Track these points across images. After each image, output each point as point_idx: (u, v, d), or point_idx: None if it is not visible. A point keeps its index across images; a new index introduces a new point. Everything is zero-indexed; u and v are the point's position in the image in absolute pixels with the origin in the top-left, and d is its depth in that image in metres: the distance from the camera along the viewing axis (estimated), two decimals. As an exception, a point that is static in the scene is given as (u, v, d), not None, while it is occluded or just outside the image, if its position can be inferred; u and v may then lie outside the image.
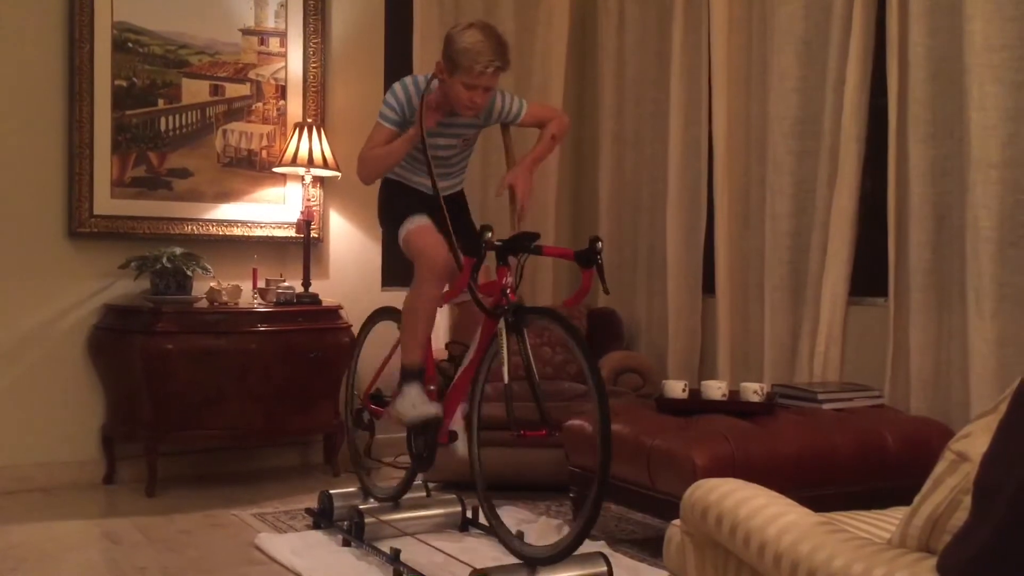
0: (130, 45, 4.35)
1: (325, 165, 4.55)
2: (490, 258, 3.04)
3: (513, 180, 3.21)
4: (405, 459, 3.44)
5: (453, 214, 3.24)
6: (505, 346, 2.85)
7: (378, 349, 3.68)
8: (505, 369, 2.80)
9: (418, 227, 3.20)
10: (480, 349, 3.09)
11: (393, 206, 3.32)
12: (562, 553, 2.70)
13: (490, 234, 2.91)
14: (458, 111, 3.13)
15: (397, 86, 3.17)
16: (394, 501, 3.47)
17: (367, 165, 3.21)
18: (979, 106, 3.31)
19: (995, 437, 1.31)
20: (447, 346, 4.11)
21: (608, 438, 2.63)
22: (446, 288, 3.30)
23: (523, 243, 2.94)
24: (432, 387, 3.27)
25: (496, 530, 2.95)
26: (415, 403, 3.15)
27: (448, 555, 3.14)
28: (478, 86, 3.02)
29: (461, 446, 3.12)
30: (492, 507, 2.99)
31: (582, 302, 3.19)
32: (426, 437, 3.23)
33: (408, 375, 3.19)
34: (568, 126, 3.43)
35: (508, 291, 2.92)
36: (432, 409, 3.15)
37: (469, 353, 3.17)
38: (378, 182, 3.38)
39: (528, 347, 2.84)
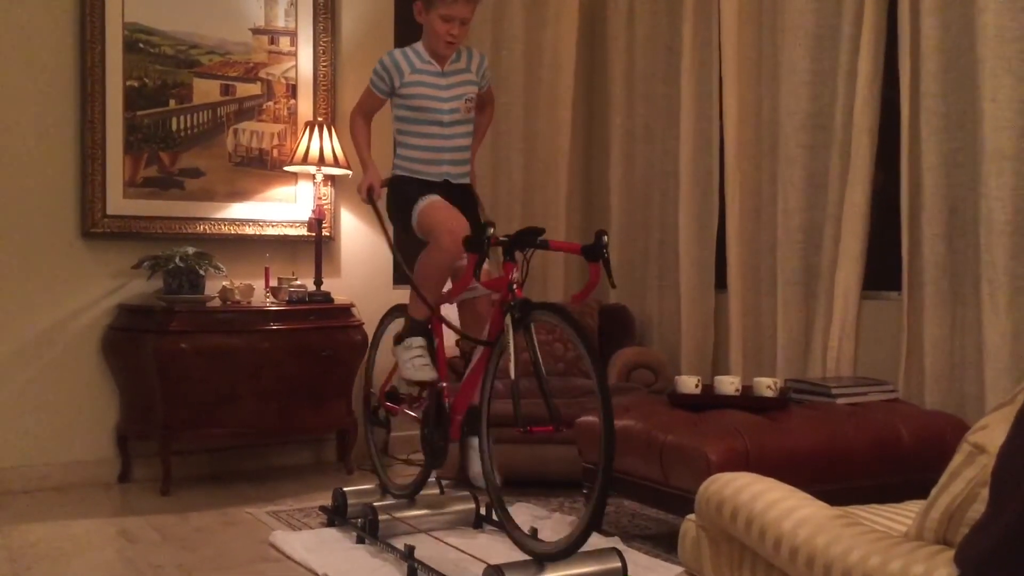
0: (141, 46, 4.37)
1: (336, 163, 4.55)
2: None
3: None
4: (418, 456, 3.44)
5: (464, 204, 3.31)
6: (512, 342, 2.84)
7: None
8: (512, 365, 2.80)
9: (430, 203, 3.24)
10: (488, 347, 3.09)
11: (401, 198, 3.35)
12: (570, 548, 2.68)
13: (492, 230, 2.91)
14: (438, 49, 3.28)
15: (384, 55, 3.34)
16: (410, 498, 3.48)
17: (352, 133, 3.45)
18: (992, 98, 3.29)
19: (1013, 428, 1.30)
20: (457, 343, 4.11)
21: (611, 430, 2.61)
22: (447, 288, 3.31)
23: (529, 238, 2.94)
24: (444, 384, 3.28)
25: (504, 525, 2.94)
26: (415, 364, 3.29)
27: (462, 552, 3.14)
28: (455, 18, 3.21)
29: (475, 464, 3.12)
30: (502, 503, 2.98)
31: (590, 296, 3.19)
32: (439, 433, 3.24)
33: (414, 326, 3.32)
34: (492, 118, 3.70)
35: (514, 287, 2.92)
36: (429, 374, 3.28)
37: (477, 350, 3.17)
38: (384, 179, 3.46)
39: (535, 343, 2.84)
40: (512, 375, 2.79)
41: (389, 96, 3.34)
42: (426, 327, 3.34)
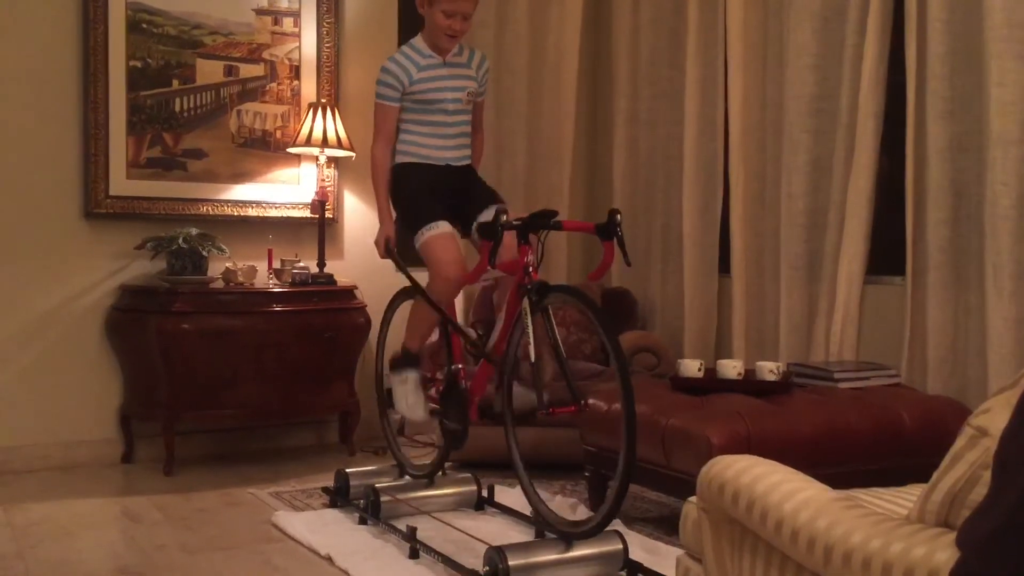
0: (144, 26, 4.35)
1: (339, 145, 4.54)
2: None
3: None
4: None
5: (466, 186, 3.33)
6: (531, 325, 2.84)
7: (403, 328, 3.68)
8: (532, 348, 2.79)
9: (435, 237, 3.20)
10: (506, 327, 3.09)
11: (409, 205, 3.31)
12: (597, 527, 2.71)
13: (506, 216, 2.91)
14: (440, 43, 3.28)
15: (388, 62, 3.31)
16: (429, 478, 3.50)
17: (374, 172, 3.37)
18: (998, 82, 3.27)
19: (1015, 411, 1.30)
20: (472, 325, 4.12)
21: (632, 415, 2.61)
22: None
23: (543, 220, 2.94)
24: (460, 366, 3.29)
25: (534, 504, 2.96)
26: (408, 402, 3.36)
27: (464, 533, 3.15)
28: (457, 13, 3.21)
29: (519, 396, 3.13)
30: (530, 481, 3.00)
31: (605, 275, 3.19)
32: (458, 415, 3.25)
33: (409, 358, 3.38)
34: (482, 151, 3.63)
35: (530, 269, 2.92)
36: (419, 415, 3.37)
37: (495, 332, 3.18)
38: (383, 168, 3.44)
39: (554, 325, 2.84)
40: (531, 358, 2.78)
41: (400, 101, 3.31)
42: (419, 360, 3.41)
